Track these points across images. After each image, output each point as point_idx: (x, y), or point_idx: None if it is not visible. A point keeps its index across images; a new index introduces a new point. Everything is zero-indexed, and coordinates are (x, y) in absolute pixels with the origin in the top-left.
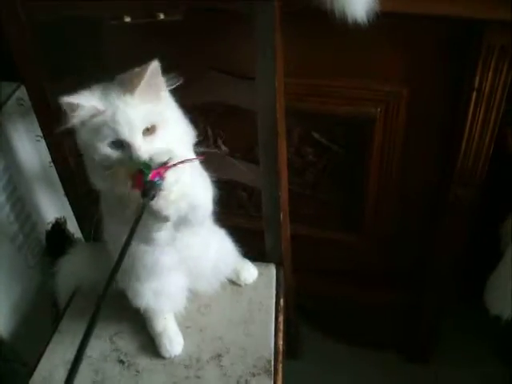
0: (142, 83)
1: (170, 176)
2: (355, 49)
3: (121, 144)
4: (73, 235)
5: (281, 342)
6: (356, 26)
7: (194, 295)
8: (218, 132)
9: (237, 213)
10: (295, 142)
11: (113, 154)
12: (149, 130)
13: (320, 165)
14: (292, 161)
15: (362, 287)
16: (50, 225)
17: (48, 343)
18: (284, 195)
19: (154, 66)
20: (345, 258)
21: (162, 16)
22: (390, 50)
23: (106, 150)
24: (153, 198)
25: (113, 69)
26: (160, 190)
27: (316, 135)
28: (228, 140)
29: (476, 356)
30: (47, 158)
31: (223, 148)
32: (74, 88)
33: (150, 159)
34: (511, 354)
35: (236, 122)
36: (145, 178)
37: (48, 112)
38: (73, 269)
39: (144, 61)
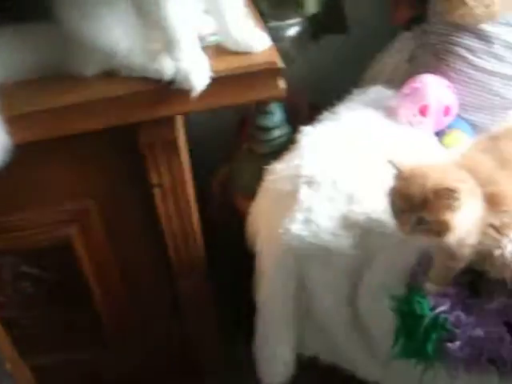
0: None
1: None
2: (27, 179)
3: None
4: None
5: None
6: None
7: None
8: None
9: None
10: (9, 280)
11: None
12: None
13: (42, 294)
14: (12, 300)
15: None
16: None
17: None
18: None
19: None
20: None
21: None
22: (60, 171)
23: None
24: None
25: None
26: None
27: (26, 268)
28: None
29: None
30: None
31: None
32: None
33: None
34: None
35: None
36: None
37: None
38: None
39: None
